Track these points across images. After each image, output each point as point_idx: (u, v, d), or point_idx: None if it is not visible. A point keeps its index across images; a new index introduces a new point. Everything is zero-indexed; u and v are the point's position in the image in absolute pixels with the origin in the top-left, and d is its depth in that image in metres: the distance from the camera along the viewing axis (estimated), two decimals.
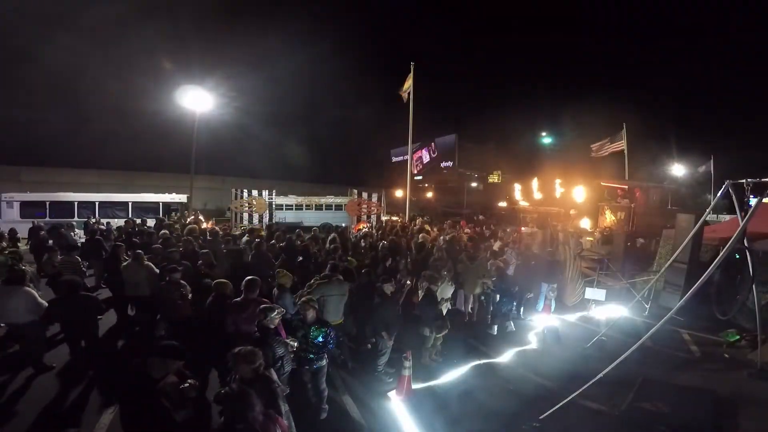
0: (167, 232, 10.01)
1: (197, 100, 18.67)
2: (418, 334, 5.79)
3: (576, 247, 10.35)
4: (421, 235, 9.90)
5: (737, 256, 6.75)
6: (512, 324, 7.51)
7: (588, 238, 13.22)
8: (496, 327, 7.33)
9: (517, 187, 20.86)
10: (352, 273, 6.12)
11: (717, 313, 6.97)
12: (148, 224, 13.23)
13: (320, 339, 4.32)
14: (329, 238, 9.46)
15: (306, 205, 20.68)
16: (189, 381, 3.13)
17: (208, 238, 9.35)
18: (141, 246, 7.74)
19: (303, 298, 4.62)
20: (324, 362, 4.46)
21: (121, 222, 14.53)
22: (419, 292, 6.33)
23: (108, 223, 14.54)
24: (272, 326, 4.01)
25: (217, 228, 12.40)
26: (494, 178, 37.72)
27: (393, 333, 5.37)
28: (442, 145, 39.39)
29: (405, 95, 18.24)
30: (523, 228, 15.27)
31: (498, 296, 7.38)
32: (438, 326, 5.76)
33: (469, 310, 7.90)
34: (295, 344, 4.18)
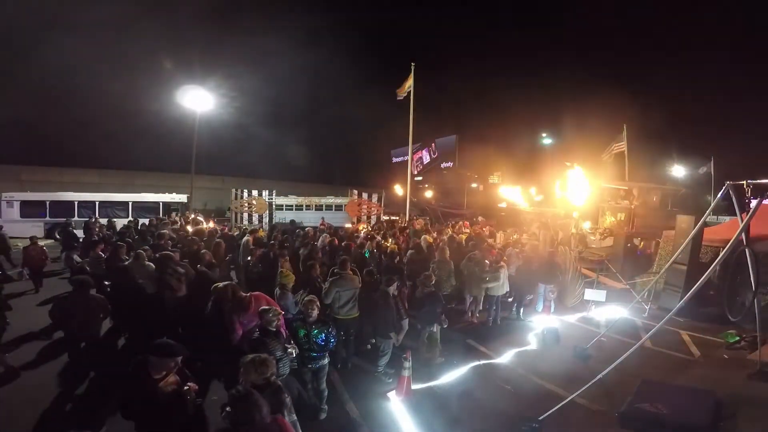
0: (167, 232, 10.04)
1: (198, 100, 18.71)
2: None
3: (581, 241, 10.38)
4: (423, 237, 9.90)
5: None
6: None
7: (591, 237, 13.22)
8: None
9: (518, 189, 20.84)
10: (356, 273, 6.15)
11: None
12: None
13: (322, 338, 4.32)
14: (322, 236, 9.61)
15: (306, 206, 20.70)
16: (188, 384, 3.13)
17: (205, 238, 9.38)
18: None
19: (306, 298, 4.61)
20: (326, 361, 4.46)
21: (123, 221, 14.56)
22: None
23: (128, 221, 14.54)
24: (271, 328, 4.00)
25: (217, 228, 12.43)
26: (494, 179, 37.70)
27: (400, 334, 5.41)
28: (443, 146, 39.38)
29: (403, 94, 18.31)
30: (529, 230, 15.28)
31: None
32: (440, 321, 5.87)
33: (472, 309, 7.89)
34: (294, 352, 4.11)
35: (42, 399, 4.69)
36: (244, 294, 4.78)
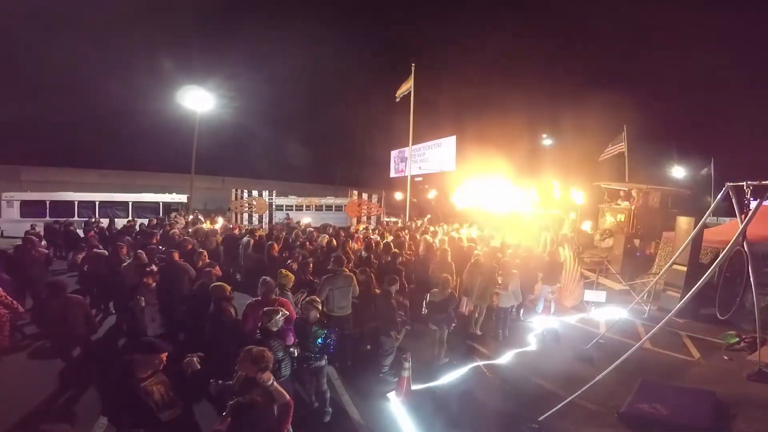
0: (176, 231, 10.09)
1: (198, 100, 18.72)
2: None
3: (575, 248, 10.37)
4: (423, 238, 9.90)
5: None
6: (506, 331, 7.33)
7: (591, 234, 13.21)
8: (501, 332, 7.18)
9: (518, 191, 20.77)
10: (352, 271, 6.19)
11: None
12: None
13: (321, 340, 4.31)
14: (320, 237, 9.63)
15: (306, 206, 20.70)
16: (191, 357, 3.21)
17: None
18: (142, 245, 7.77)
19: (306, 299, 4.61)
20: (324, 362, 4.45)
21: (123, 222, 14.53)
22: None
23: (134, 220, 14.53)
24: (275, 329, 4.00)
25: (217, 228, 12.43)
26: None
27: (400, 333, 5.41)
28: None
29: (401, 95, 18.38)
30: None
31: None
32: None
33: (475, 319, 7.32)
34: (297, 352, 4.11)
35: (40, 398, 4.68)
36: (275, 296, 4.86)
